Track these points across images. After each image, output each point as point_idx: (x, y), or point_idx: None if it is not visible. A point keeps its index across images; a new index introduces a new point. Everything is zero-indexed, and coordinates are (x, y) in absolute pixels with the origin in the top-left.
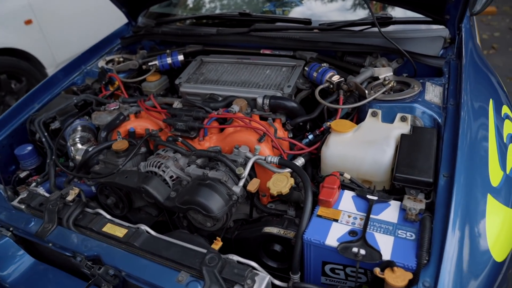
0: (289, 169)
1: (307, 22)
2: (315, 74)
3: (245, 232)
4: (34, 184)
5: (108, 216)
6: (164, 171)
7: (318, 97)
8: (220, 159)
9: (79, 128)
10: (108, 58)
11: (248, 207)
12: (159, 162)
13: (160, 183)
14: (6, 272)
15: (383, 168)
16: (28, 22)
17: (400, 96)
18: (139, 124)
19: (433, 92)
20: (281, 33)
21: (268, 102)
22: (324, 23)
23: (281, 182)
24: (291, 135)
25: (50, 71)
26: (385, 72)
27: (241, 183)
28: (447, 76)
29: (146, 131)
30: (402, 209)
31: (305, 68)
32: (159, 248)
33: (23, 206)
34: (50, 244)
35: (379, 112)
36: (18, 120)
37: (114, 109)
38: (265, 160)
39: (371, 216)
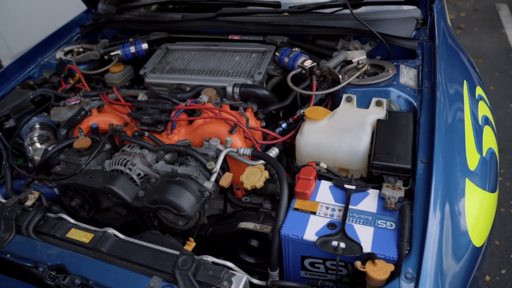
0: (263, 161)
1: (276, 5)
2: (286, 60)
3: (220, 228)
4: None
5: (72, 221)
6: (130, 169)
7: (290, 84)
8: (189, 154)
9: (37, 126)
10: (66, 49)
11: (222, 202)
12: (124, 159)
13: (127, 182)
14: None
15: (359, 155)
16: None
17: (374, 80)
18: (102, 119)
19: (408, 75)
20: (250, 17)
21: (238, 91)
22: (294, 6)
23: (254, 176)
24: (264, 124)
25: (7, 63)
26: (358, 56)
27: (213, 178)
28: (420, 58)
29: (110, 126)
30: (381, 198)
31: (276, 53)
32: (129, 252)
33: None
34: (8, 255)
35: (354, 97)
36: None
37: (74, 103)
38: (237, 152)
39: (350, 206)
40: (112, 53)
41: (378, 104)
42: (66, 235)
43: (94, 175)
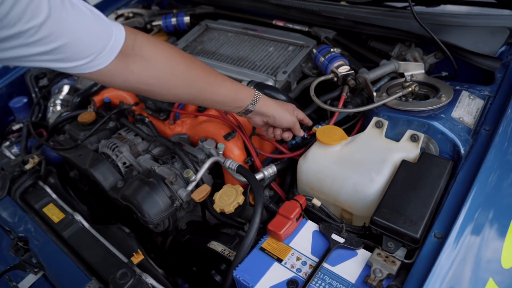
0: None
1: None
2: (321, 59)
3: (195, 240)
4: (7, 143)
5: (54, 196)
6: (117, 156)
7: (311, 92)
8: (176, 153)
9: (65, 89)
10: (119, 12)
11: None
12: (114, 144)
13: (109, 169)
14: None
15: (365, 200)
16: None
17: (417, 107)
18: (117, 94)
19: (468, 107)
20: (299, 2)
21: None
22: None
23: (228, 198)
24: None
25: None
26: (413, 69)
27: (190, 187)
28: (498, 85)
29: (120, 103)
30: (368, 266)
31: (314, 50)
32: (84, 245)
33: None
34: None
35: (386, 123)
36: (19, 70)
37: None
38: (223, 162)
39: (325, 265)
40: (154, 23)
41: (413, 139)
42: (43, 209)
43: (84, 154)
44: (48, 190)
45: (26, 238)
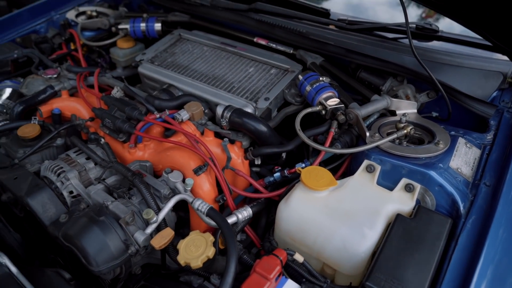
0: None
1: (324, 13)
2: (308, 88)
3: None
4: None
5: None
6: (62, 183)
7: (297, 125)
8: (136, 185)
9: (6, 92)
10: (81, 9)
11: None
12: (60, 168)
13: (51, 199)
14: None
15: (354, 259)
16: None
17: (413, 153)
18: (69, 105)
19: (465, 156)
20: (285, 21)
21: (228, 117)
22: (345, 19)
23: (196, 249)
24: (259, 162)
25: None
26: (406, 107)
27: (150, 229)
28: (493, 133)
29: (72, 117)
30: None
31: (300, 76)
32: None
33: None
34: None
35: (378, 168)
36: None
37: (50, 77)
38: (192, 203)
39: None
40: (120, 26)
41: (408, 189)
42: None
43: (21, 177)
44: None
45: None
